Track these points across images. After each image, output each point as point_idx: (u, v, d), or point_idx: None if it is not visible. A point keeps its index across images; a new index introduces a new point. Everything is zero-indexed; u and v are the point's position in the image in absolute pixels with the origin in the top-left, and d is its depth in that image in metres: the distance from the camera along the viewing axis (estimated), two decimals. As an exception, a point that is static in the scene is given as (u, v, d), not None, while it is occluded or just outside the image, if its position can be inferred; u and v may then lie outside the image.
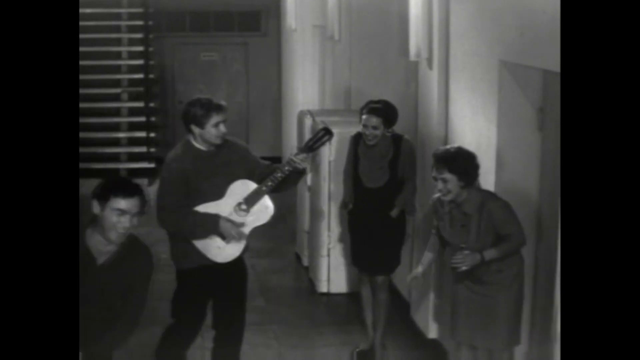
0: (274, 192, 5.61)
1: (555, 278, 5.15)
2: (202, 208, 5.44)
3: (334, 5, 10.01)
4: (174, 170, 5.43)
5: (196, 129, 5.42)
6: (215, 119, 5.41)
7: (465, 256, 5.19)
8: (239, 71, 15.50)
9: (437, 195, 5.52)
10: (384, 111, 6.63)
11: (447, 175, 5.23)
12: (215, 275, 5.60)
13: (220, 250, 5.51)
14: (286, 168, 5.55)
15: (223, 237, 5.49)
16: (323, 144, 5.72)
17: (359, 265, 7.00)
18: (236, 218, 5.49)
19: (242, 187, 5.52)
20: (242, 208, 5.51)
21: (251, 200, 5.50)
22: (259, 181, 5.57)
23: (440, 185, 5.26)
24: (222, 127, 5.44)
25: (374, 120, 6.59)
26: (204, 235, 5.44)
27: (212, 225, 5.41)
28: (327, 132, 5.69)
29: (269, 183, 5.51)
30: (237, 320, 5.80)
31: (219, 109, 5.44)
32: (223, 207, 5.49)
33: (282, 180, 5.54)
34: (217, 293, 5.70)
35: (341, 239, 8.22)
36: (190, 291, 5.62)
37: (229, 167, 5.53)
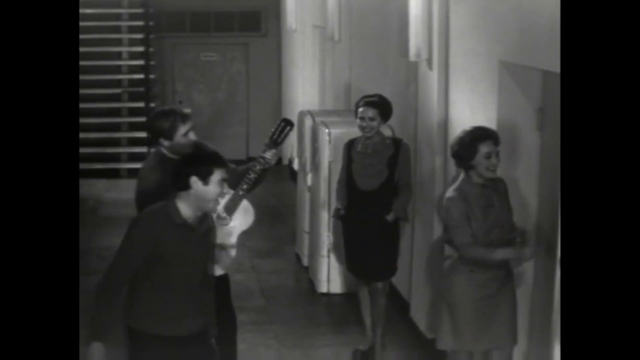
0: (248, 192, 5.53)
1: (555, 278, 5.16)
2: None
3: (334, 5, 10.02)
4: (152, 182, 5.31)
5: (165, 142, 5.34)
6: (182, 129, 5.33)
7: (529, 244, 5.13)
8: (239, 71, 15.50)
9: (450, 192, 5.26)
10: (380, 104, 6.67)
11: (498, 150, 5.19)
12: None
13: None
14: (258, 167, 5.49)
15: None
16: (287, 135, 5.65)
17: (356, 272, 6.94)
18: (219, 229, 5.37)
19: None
20: (221, 217, 5.42)
21: (230, 207, 5.43)
22: (231, 184, 5.51)
23: (494, 160, 5.16)
24: (191, 136, 5.38)
25: (370, 112, 6.63)
26: None
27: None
28: (288, 123, 5.65)
29: (245, 186, 5.45)
30: (228, 323, 5.76)
31: (185, 118, 5.35)
32: None
33: (255, 180, 5.50)
34: None
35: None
36: None
37: None
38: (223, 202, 5.40)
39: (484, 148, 5.13)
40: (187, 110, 5.47)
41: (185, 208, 4.43)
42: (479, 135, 5.18)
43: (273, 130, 5.64)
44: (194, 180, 4.37)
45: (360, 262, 6.82)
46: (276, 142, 5.59)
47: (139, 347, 4.57)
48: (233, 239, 5.47)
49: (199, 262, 4.58)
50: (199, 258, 4.58)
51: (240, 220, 5.49)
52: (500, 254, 5.15)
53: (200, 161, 4.44)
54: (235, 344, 5.86)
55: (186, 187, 4.39)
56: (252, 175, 5.48)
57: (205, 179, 4.37)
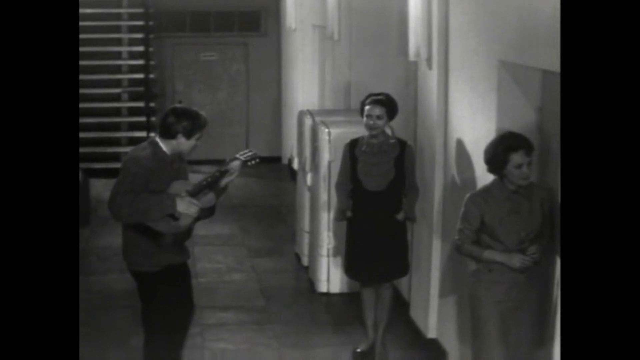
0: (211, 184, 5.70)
1: (555, 278, 5.16)
2: None
3: (333, 5, 10.02)
4: (143, 166, 5.48)
5: (181, 139, 5.56)
6: (199, 133, 5.63)
7: (538, 249, 5.08)
8: (239, 71, 15.50)
9: (476, 190, 5.36)
10: (386, 102, 6.66)
11: (531, 159, 5.11)
12: (177, 274, 5.69)
13: (167, 223, 5.53)
14: (223, 168, 5.72)
15: (174, 217, 5.52)
16: (251, 161, 5.83)
17: (362, 275, 6.88)
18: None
19: (183, 185, 5.64)
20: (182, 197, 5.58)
21: (193, 192, 5.60)
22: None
23: (525, 170, 5.09)
24: (199, 142, 5.68)
25: (378, 110, 6.61)
26: (159, 215, 5.46)
27: (170, 204, 5.46)
28: (257, 157, 5.86)
29: (209, 178, 5.68)
30: (186, 308, 5.87)
31: (205, 123, 5.66)
32: None
33: (217, 178, 5.67)
34: (177, 293, 5.74)
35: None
36: (163, 294, 5.63)
37: (182, 175, 5.73)
38: (189, 187, 5.61)
39: (515, 158, 5.06)
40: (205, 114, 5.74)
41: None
42: (511, 144, 5.09)
43: (245, 151, 5.91)
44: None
45: (370, 264, 6.76)
46: (237, 158, 5.80)
47: None
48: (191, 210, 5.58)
49: None
50: None
51: (203, 200, 5.62)
52: (488, 254, 5.15)
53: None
54: (187, 331, 5.91)
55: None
56: (216, 172, 5.71)
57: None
